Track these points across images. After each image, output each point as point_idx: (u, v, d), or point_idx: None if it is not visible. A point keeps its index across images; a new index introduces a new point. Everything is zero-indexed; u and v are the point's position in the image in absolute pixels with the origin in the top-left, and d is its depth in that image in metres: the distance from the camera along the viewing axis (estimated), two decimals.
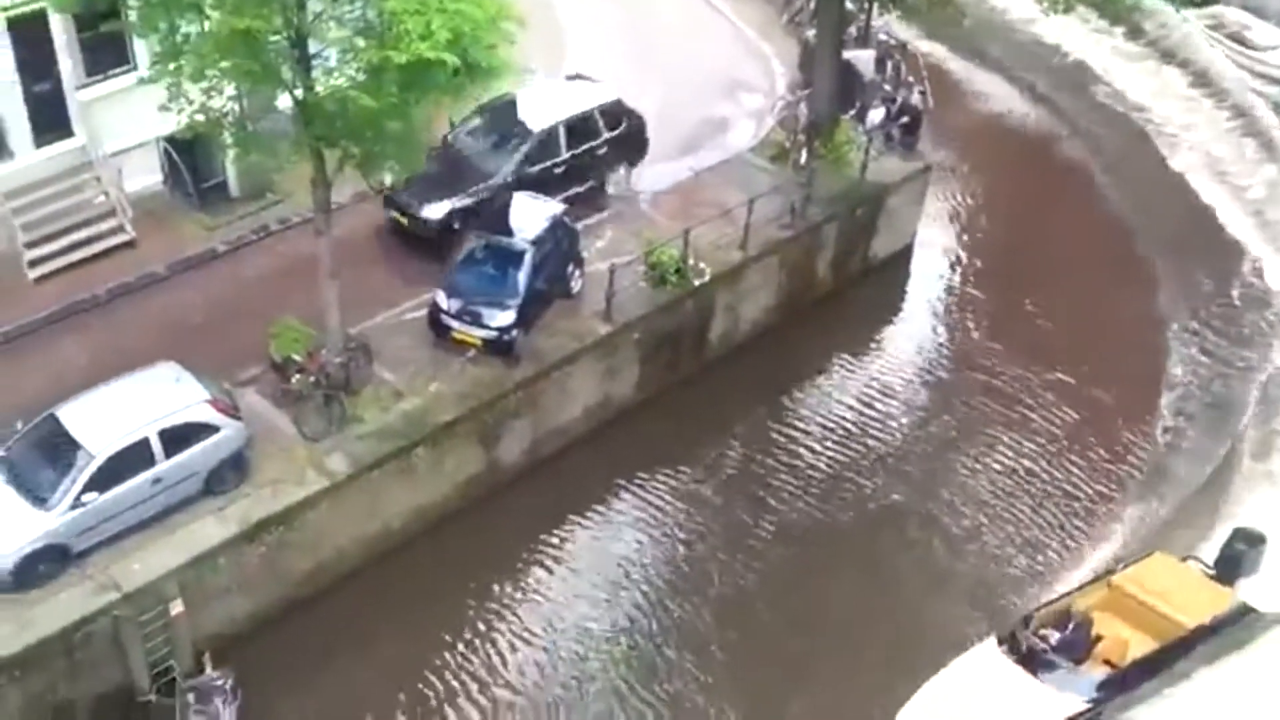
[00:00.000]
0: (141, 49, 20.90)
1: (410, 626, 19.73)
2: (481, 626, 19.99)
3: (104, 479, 17.51)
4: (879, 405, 24.51)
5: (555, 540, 21.42)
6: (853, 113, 26.87)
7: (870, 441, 23.73)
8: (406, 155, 18.59)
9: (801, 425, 23.98)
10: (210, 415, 18.45)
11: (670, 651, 19.88)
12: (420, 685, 19.08)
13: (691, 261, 23.25)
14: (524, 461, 22.01)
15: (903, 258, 27.74)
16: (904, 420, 24.34)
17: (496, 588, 20.52)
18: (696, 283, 23.33)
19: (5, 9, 20.25)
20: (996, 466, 23.25)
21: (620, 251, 23.30)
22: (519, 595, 20.51)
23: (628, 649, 19.89)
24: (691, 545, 21.56)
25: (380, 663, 19.31)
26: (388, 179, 20.35)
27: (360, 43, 17.00)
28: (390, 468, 19.98)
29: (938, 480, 22.96)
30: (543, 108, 24.04)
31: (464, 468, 21.16)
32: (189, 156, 22.81)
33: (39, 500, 17.32)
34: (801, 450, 23.42)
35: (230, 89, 17.89)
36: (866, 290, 26.87)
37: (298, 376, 19.74)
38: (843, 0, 26.03)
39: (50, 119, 21.52)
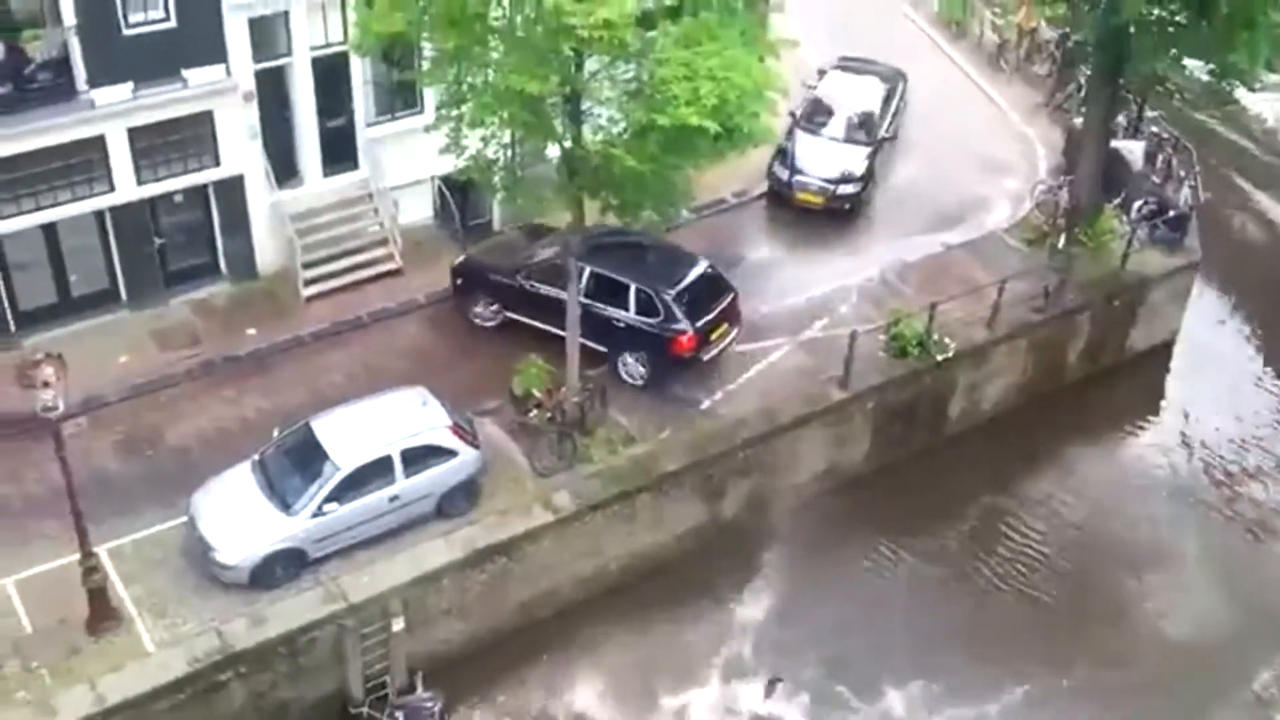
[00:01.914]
0: (429, 94, 21.32)
1: (615, 671, 18.97)
2: (681, 680, 19.00)
3: (346, 491, 17.53)
4: (1124, 508, 22.25)
5: (762, 601, 20.21)
6: (1117, 202, 25.02)
7: (1107, 544, 21.55)
8: (664, 207, 18.25)
9: (1036, 517, 22.05)
10: (450, 440, 18.30)
11: None
12: None
13: (935, 336, 21.86)
14: (743, 519, 20.98)
15: (1162, 354, 25.35)
16: (1148, 527, 22.00)
17: (700, 642, 19.50)
18: (939, 358, 21.89)
19: (314, 49, 21.03)
20: (1247, 590, 20.75)
21: (863, 319, 22.13)
22: (718, 652, 19.42)
23: None
24: (902, 627, 19.96)
25: (583, 702, 18.60)
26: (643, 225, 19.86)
27: (628, 103, 16.78)
28: (613, 510, 19.36)
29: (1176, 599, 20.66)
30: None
31: (684, 519, 20.33)
32: (460, 196, 23.08)
33: (285, 505, 17.46)
34: (1033, 544, 21.50)
35: (504, 137, 17.95)
36: (1120, 384, 24.64)
37: (535, 412, 19.45)
38: (1115, 87, 24.28)
39: (339, 151, 22.15)
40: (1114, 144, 25.15)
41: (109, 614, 16.69)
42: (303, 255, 21.74)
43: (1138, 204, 24.99)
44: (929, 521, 21.65)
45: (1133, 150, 25.76)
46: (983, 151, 27.08)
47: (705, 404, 20.64)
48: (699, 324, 20.55)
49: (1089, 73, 25.27)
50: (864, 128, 25.61)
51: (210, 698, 16.63)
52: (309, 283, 21.78)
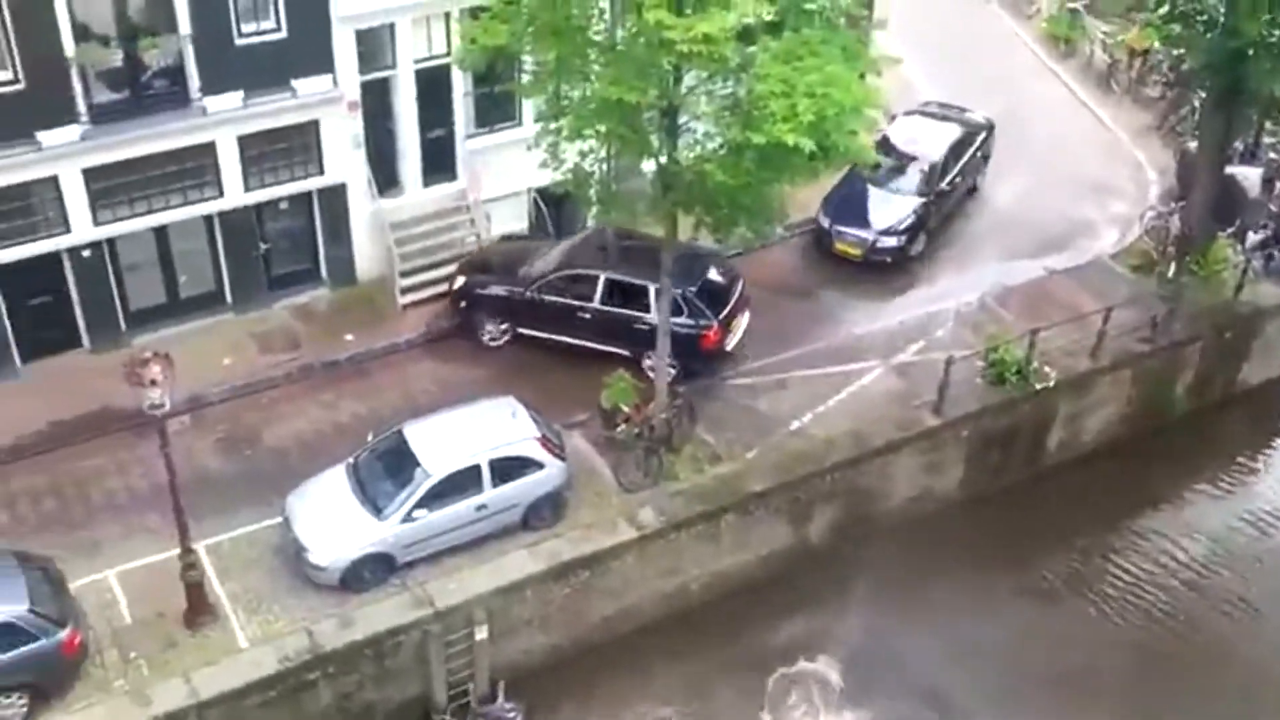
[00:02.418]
0: (527, 108, 21.56)
1: (696, 692, 18.84)
2: (759, 703, 18.75)
3: (436, 498, 17.73)
4: (1235, 549, 21.48)
5: (847, 628, 19.88)
6: (1231, 231, 24.19)
7: (1216, 587, 20.80)
8: (758, 224, 18.11)
9: (1140, 555, 21.44)
10: (538, 452, 18.40)
11: None
12: None
13: (1035, 364, 21.33)
14: (829, 543, 20.71)
15: (1277, 389, 24.48)
16: (1260, 571, 21.19)
17: (782, 665, 19.25)
18: (1038, 386, 21.35)
19: (417, 61, 21.38)
20: None
21: (960, 344, 21.69)
22: (800, 678, 19.11)
23: None
24: (994, 664, 19.49)
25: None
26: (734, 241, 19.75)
27: (725, 119, 16.71)
28: (698, 529, 19.26)
29: None
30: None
31: (769, 541, 20.15)
32: (554, 209, 23.29)
33: (376, 509, 17.71)
34: (1137, 584, 20.87)
35: (601, 151, 18.04)
36: (1231, 419, 23.89)
37: (623, 427, 19.46)
38: (1230, 111, 23.47)
39: (439, 162, 22.50)
40: (1229, 169, 24.35)
41: (205, 609, 17.12)
42: (401, 263, 22.09)
43: (1253, 232, 24.17)
44: (1027, 554, 21.17)
45: (1249, 176, 24.98)
46: (1091, 174, 26.45)
47: (795, 425, 20.44)
48: (721, 317, 20.73)
49: (1204, 95, 24.52)
50: (923, 178, 24.27)
51: (299, 696, 16.93)
52: (406, 290, 22.12)
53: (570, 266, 21.30)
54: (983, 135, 25.85)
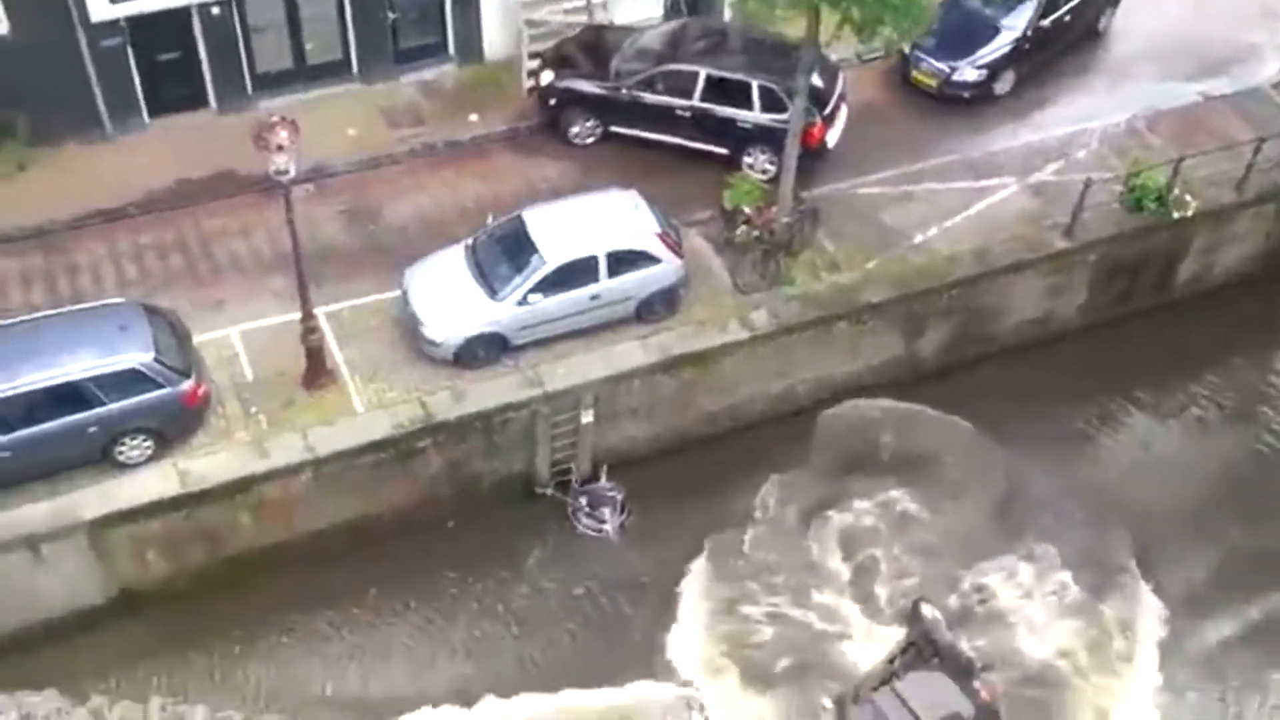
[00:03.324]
0: None
1: (795, 486, 18.75)
2: (858, 506, 18.61)
3: (551, 284, 17.53)
4: None
5: (942, 445, 19.34)
6: None
7: None
8: (907, 23, 16.84)
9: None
10: (656, 247, 17.99)
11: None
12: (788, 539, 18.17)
13: (1177, 192, 20.06)
14: (940, 359, 20.17)
15: None
16: None
17: (875, 474, 18.97)
18: (1176, 215, 20.14)
19: None
20: None
21: (1101, 166, 20.46)
22: (889, 494, 18.79)
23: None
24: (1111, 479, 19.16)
25: (759, 512, 18.50)
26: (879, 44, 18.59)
27: None
28: (809, 334, 18.85)
29: None
30: None
31: (879, 351, 19.66)
32: None
33: (492, 291, 17.57)
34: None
35: None
36: None
37: (743, 228, 18.88)
38: None
39: None
40: None
41: (324, 372, 17.31)
42: (529, 44, 21.26)
43: None
44: (1146, 380, 20.42)
45: None
46: None
47: (918, 238, 19.63)
48: (825, 113, 19.77)
49: None
50: (1034, 13, 21.89)
51: (409, 461, 17.28)
52: (532, 73, 21.39)
53: (668, 62, 20.25)
54: None
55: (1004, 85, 22.03)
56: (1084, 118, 21.72)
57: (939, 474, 18.99)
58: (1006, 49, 21.85)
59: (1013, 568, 18.10)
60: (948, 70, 21.67)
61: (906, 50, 21.56)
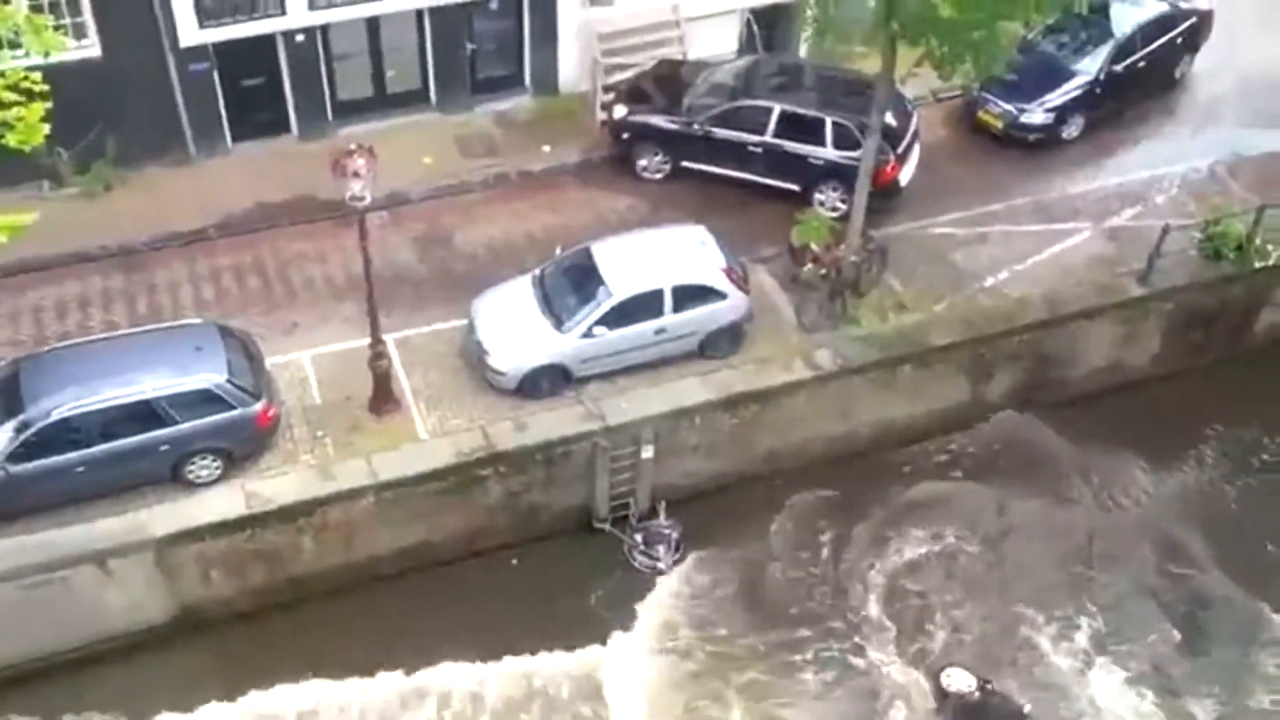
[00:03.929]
0: None
1: (849, 529, 18.31)
2: (907, 545, 18.20)
3: (616, 317, 17.36)
4: None
5: (1003, 497, 18.79)
6: None
7: None
8: (985, 60, 16.37)
9: None
10: (722, 283, 17.76)
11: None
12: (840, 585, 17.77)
13: (1258, 241, 19.37)
14: (1009, 404, 19.62)
15: None
16: None
17: (946, 512, 18.48)
18: (1258, 264, 19.45)
19: None
20: None
21: (1181, 213, 19.83)
22: (939, 538, 18.27)
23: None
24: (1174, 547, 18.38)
25: (816, 554, 18.05)
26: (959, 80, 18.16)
27: None
28: (873, 376, 18.47)
29: None
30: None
31: (945, 395, 19.18)
32: (767, 31, 21.89)
33: (558, 322, 17.47)
34: None
35: None
36: None
37: (810, 266, 18.55)
38: None
39: None
40: None
41: (390, 398, 17.31)
42: (604, 77, 21.21)
43: None
44: (1214, 435, 19.63)
45: None
46: None
47: (989, 281, 19.18)
48: (899, 151, 19.42)
49: None
50: (1107, 59, 21.33)
51: (470, 489, 17.19)
52: (604, 106, 21.29)
53: (742, 98, 20.00)
54: (1189, 22, 22.40)
55: (1072, 130, 21.46)
56: (1164, 163, 21.12)
57: (1001, 521, 18.48)
58: (1077, 93, 21.30)
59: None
60: (1015, 112, 21.16)
61: (975, 90, 21.14)
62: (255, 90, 20.40)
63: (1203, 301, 19.80)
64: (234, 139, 20.61)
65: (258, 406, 16.30)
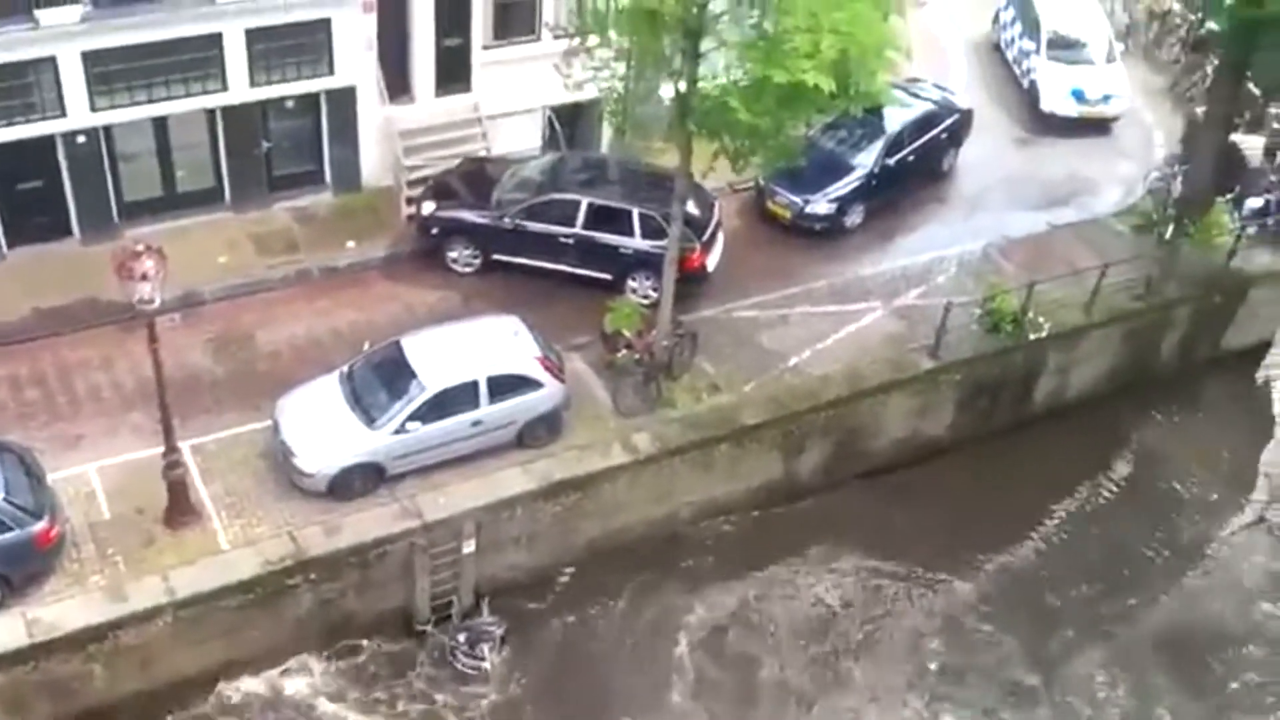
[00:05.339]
0: (548, 18, 20.16)
1: (673, 616, 17.75)
2: (737, 631, 17.83)
3: (430, 411, 16.47)
4: (1217, 512, 20.59)
5: (834, 562, 18.85)
6: (1230, 197, 22.95)
7: (1194, 545, 19.96)
8: (776, 154, 16.84)
9: (1125, 510, 20.41)
10: (538, 372, 17.12)
11: None
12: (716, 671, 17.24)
13: (1031, 314, 20.17)
14: (818, 480, 19.59)
15: (1258, 355, 23.42)
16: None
17: (762, 601, 18.23)
18: (1032, 336, 20.23)
19: None
20: None
21: (960, 291, 20.47)
22: (770, 614, 18.11)
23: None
24: (972, 616, 18.59)
25: (638, 641, 17.45)
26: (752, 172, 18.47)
27: (748, 53, 15.46)
28: (691, 457, 18.09)
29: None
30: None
31: (760, 473, 18.99)
32: (569, 128, 21.78)
33: (369, 419, 16.42)
34: (1122, 539, 19.85)
35: (619, 69, 16.74)
36: (1213, 382, 22.71)
37: (624, 352, 18.17)
38: (1241, 80, 22.15)
39: (453, 72, 20.78)
40: (1234, 137, 23.10)
41: (187, 509, 15.85)
42: (407, 173, 20.52)
43: (1250, 200, 22.96)
44: (1008, 500, 20.04)
45: (1253, 145, 23.74)
46: (1098, 132, 25.07)
47: (794, 360, 19.22)
48: (704, 239, 19.60)
49: (1216, 62, 23.12)
50: (880, 152, 22.05)
51: (278, 601, 15.78)
52: (411, 201, 20.56)
53: (550, 191, 19.76)
54: (951, 119, 23.31)
55: (854, 218, 22.05)
56: (941, 246, 21.83)
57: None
58: (856, 184, 21.95)
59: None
60: (801, 203, 21.64)
61: (764, 182, 21.58)
62: (33, 193, 18.74)
63: (987, 372, 20.38)
64: (9, 245, 18.84)
65: (38, 526, 14.58)
